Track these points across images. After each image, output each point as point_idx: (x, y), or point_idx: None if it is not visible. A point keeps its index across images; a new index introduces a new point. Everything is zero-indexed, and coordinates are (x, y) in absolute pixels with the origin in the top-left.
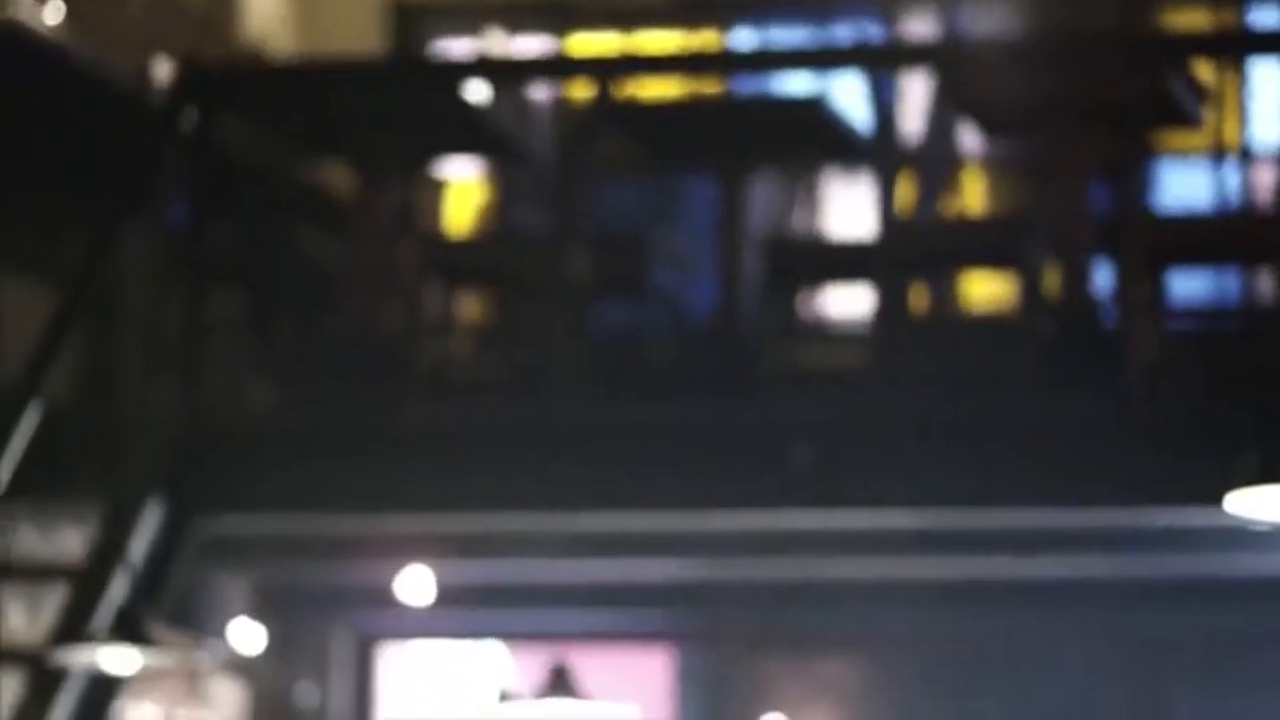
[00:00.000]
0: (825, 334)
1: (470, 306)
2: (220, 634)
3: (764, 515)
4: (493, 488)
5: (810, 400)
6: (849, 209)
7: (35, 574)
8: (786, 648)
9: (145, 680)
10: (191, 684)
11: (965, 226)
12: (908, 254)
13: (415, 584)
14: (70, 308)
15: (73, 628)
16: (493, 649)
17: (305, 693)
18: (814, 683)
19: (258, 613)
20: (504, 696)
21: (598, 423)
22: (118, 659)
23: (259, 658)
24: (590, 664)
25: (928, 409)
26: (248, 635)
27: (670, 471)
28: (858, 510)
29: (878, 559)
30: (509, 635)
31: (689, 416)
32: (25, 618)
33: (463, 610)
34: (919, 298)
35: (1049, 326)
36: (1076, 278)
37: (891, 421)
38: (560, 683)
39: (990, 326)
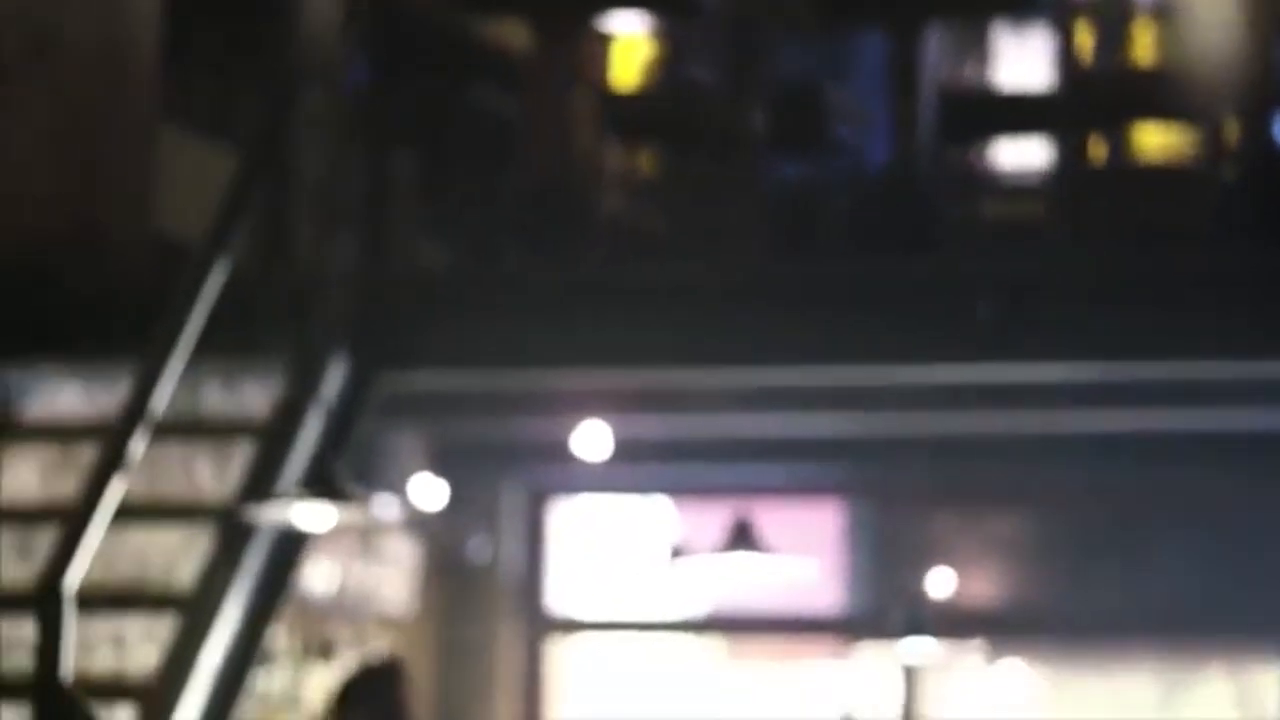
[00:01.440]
0: (1004, 187)
1: (646, 161)
2: (396, 490)
3: (943, 369)
4: (668, 342)
5: (991, 253)
6: (1025, 61)
7: (223, 431)
8: (957, 503)
9: (323, 536)
10: (366, 540)
11: (1145, 76)
12: (1086, 105)
13: (590, 439)
14: (252, 168)
15: (261, 484)
16: (664, 504)
17: (477, 548)
18: (983, 538)
19: (432, 469)
20: (676, 552)
21: (774, 278)
22: (308, 514)
23: (433, 513)
24: (761, 518)
25: (1108, 261)
26: (422, 491)
27: (848, 326)
28: (1038, 364)
29: (1052, 413)
30: (680, 490)
31: (867, 271)
32: (214, 475)
33: (635, 465)
34: (1097, 149)
35: (1229, 176)
36: (1257, 127)
37: (1072, 274)
38: (743, 536)
39: (1170, 177)
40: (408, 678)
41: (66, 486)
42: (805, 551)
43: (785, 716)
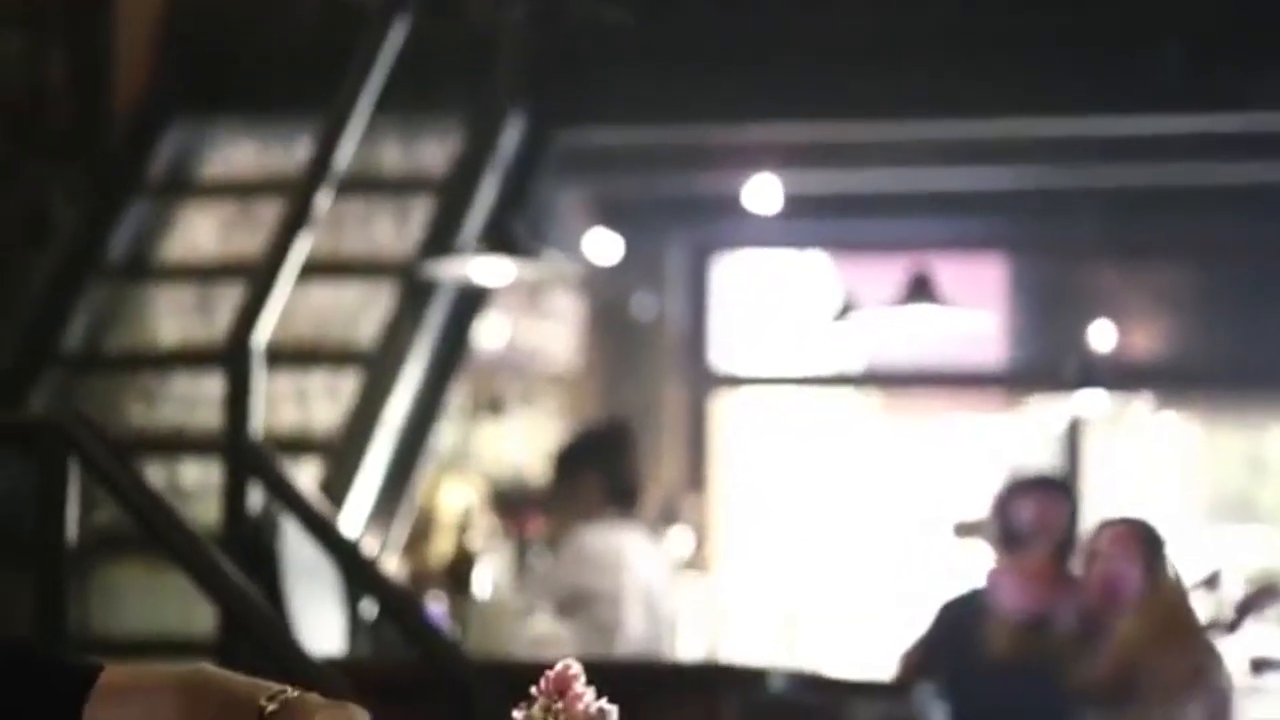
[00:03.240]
0: None
1: None
2: (566, 246)
3: (1112, 121)
4: (840, 95)
5: (1167, 2)
6: None
7: (402, 188)
8: (1123, 256)
9: (492, 292)
10: (533, 296)
11: None
12: None
13: (758, 193)
14: None
15: (440, 240)
16: (829, 259)
17: (643, 304)
18: (1145, 290)
19: (600, 225)
20: (845, 308)
21: (948, 28)
22: (487, 270)
23: (601, 269)
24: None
25: None
26: (591, 247)
27: (1021, 77)
28: (1210, 115)
29: (1219, 164)
30: (846, 245)
31: (1042, 21)
32: (393, 231)
33: (801, 220)
34: None
35: None
36: None
37: (1249, 24)
38: (921, 289)
39: None
40: (634, 440)
41: (244, 243)
42: (972, 305)
43: (950, 470)
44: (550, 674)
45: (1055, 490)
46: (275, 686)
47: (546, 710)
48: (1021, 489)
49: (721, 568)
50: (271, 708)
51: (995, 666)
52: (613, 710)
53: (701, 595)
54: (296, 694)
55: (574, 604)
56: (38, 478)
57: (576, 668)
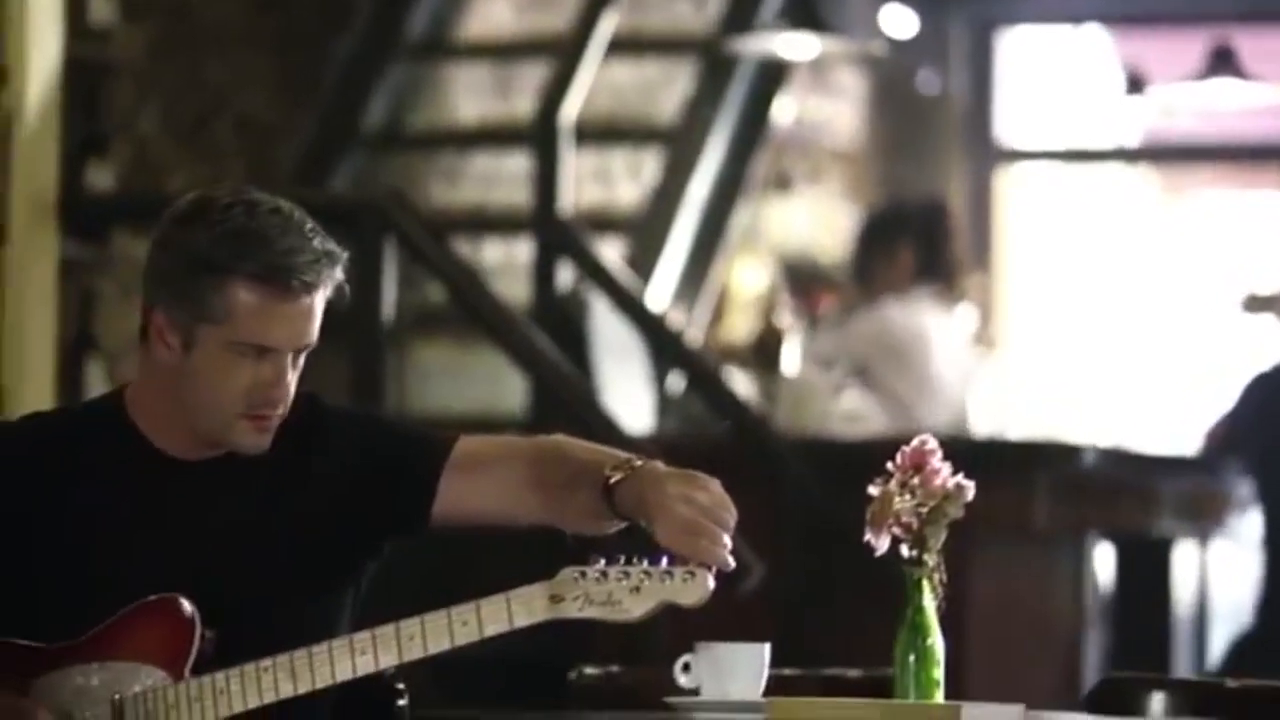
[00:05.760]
0: None
1: None
2: (856, 23)
3: None
4: None
5: None
6: None
7: None
8: None
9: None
10: (817, 73)
11: None
12: None
13: None
14: None
15: (741, 16)
16: (1114, 33)
17: (926, 81)
18: None
19: (891, 2)
20: (1135, 82)
21: None
22: (789, 45)
23: (884, 46)
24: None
25: None
26: (875, 26)
27: None
28: None
29: None
30: (1132, 19)
31: None
32: (693, 7)
33: None
34: None
35: None
36: None
37: None
38: (1222, 63)
39: None
40: (952, 217)
41: (539, 22)
42: (1267, 79)
43: (1241, 246)
44: (906, 449)
45: None
46: (622, 455)
47: (903, 485)
48: None
49: (1007, 345)
50: (617, 477)
51: None
52: (969, 485)
53: (989, 373)
54: (642, 462)
55: (883, 379)
56: (355, 256)
57: (932, 443)
